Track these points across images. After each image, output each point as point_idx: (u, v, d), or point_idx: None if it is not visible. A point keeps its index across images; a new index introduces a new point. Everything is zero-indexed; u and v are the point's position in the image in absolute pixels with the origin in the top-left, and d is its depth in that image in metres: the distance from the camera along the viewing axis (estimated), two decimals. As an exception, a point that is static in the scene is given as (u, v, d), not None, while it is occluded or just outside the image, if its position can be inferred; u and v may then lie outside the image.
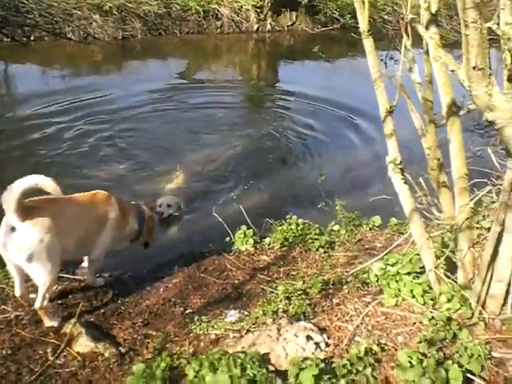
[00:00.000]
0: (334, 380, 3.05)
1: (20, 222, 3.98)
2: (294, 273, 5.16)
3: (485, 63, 2.56)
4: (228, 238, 5.95)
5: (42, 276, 4.14)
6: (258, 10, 18.74)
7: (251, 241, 5.83)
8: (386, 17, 18.49)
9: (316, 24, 19.17)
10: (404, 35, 3.57)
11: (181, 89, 13.74)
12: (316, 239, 5.74)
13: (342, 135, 10.74)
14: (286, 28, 19.28)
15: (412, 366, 3.14)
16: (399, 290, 4.10)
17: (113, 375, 3.73)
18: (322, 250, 5.56)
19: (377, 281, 4.40)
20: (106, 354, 3.91)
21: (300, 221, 6.05)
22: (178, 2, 17.88)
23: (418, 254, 4.17)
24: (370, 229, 6.19)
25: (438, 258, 3.98)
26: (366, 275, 4.53)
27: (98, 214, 4.63)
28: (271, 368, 3.29)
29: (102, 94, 12.48)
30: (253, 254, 5.67)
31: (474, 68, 2.57)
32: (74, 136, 10.12)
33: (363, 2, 3.64)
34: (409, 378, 3.12)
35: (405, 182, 3.81)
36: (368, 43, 3.72)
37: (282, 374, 3.24)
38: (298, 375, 3.10)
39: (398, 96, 3.76)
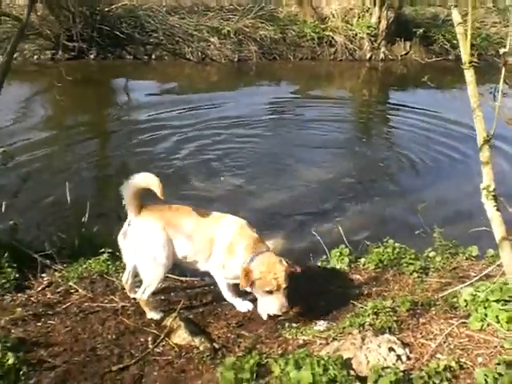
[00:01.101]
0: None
1: (135, 216, 4.52)
2: (386, 293, 5.30)
3: None
4: (324, 256, 6.20)
5: (145, 270, 4.61)
6: (372, 39, 18.91)
7: (346, 260, 6.03)
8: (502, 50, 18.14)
9: (430, 54, 19.09)
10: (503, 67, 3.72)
11: (293, 105, 14.28)
12: (411, 263, 5.82)
13: (454, 164, 10.69)
14: (399, 57, 19.31)
15: (487, 383, 3.26)
16: (486, 314, 4.18)
17: (205, 367, 4.07)
18: (415, 275, 5.63)
19: (465, 306, 4.47)
20: (201, 348, 4.27)
21: (397, 245, 6.16)
22: (294, 29, 18.42)
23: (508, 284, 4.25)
24: (467, 258, 6.15)
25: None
26: (455, 299, 4.63)
27: (212, 234, 4.67)
28: (352, 372, 3.50)
29: (214, 107, 13.30)
30: (347, 273, 5.86)
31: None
32: (178, 141, 10.99)
33: (465, 34, 3.83)
34: (483, 394, 3.25)
35: (497, 209, 3.92)
36: (468, 73, 3.92)
37: (362, 379, 3.44)
38: (376, 381, 3.30)
39: (496, 126, 3.89)
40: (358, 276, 5.78)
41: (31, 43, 16.19)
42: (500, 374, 3.34)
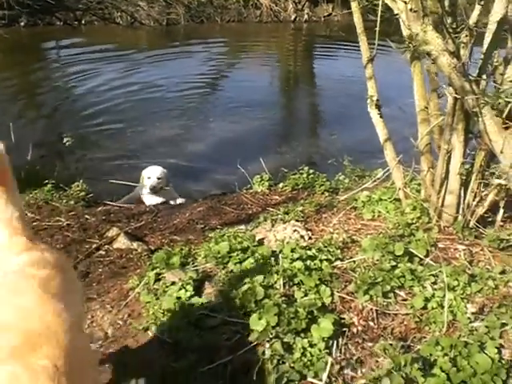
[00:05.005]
0: (306, 250, 4.02)
1: None
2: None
3: (418, 6, 3.47)
4: (248, 185, 6.97)
5: None
6: (296, 1, 19.56)
7: (266, 184, 6.81)
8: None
9: (351, 16, 19.86)
10: None
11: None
12: (322, 185, 6.65)
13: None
14: (322, 19, 20.06)
15: (370, 246, 4.08)
16: (377, 208, 5.02)
17: (143, 263, 4.74)
18: (326, 194, 6.38)
19: (362, 206, 5.27)
20: (139, 250, 4.94)
21: (311, 171, 6.97)
22: (220, -9, 18.94)
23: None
24: (374, 181, 6.99)
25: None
26: (354, 202, 5.44)
27: None
28: (263, 246, 4.27)
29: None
30: (267, 194, 6.60)
31: (411, 10, 3.48)
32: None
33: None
34: (367, 255, 4.06)
35: (380, 116, 4.72)
36: (354, 4, 4.66)
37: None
38: (281, 250, 4.07)
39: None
40: (276, 197, 6.52)
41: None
42: (382, 242, 4.13)
